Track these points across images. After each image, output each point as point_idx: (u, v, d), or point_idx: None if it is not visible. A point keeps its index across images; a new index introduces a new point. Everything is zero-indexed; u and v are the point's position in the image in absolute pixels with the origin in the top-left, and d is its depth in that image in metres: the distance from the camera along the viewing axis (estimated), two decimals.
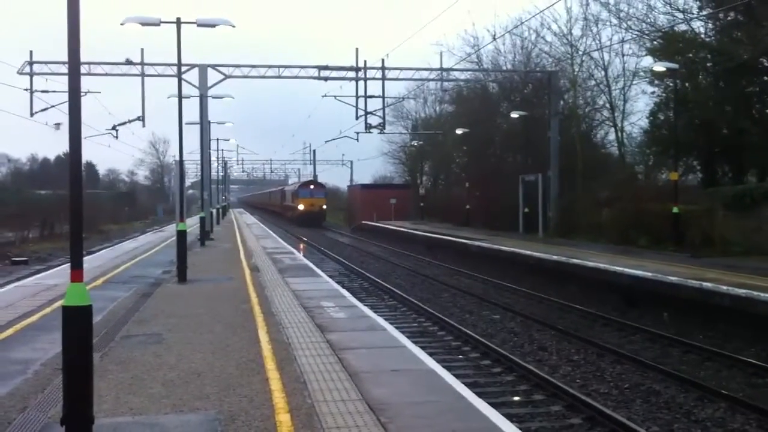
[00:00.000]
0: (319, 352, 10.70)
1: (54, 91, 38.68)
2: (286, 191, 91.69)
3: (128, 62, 39.59)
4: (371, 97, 41.59)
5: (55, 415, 7.50)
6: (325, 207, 75.82)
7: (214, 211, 54.01)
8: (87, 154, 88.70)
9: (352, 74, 40.41)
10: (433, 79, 45.33)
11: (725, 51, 30.55)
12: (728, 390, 12.28)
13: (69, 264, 6.90)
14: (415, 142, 71.50)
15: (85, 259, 6.95)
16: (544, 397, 12.00)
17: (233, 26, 21.96)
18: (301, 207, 74.21)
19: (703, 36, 34.77)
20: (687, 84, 34.46)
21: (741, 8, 29.68)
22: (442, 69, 43.04)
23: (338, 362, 10.07)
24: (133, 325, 13.25)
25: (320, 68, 39.90)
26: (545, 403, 11.72)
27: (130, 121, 42.20)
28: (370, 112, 41.87)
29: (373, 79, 40.81)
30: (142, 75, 39.08)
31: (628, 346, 16.08)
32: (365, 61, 40.20)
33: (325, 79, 40.16)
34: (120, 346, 11.34)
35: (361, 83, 40.87)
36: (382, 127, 43.42)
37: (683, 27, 34.45)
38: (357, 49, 39.99)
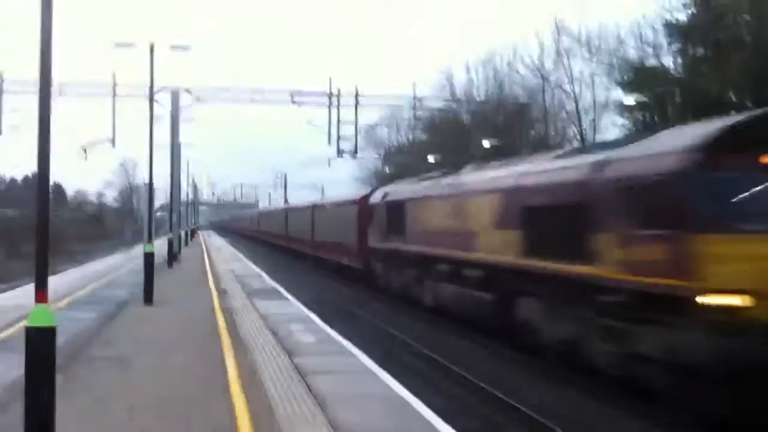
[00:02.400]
0: (287, 377, 10.62)
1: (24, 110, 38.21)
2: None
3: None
4: (344, 123, 41.76)
5: None
6: None
7: (183, 233, 53.64)
8: (55, 175, 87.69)
9: (324, 99, 40.57)
10: (406, 106, 45.59)
11: (694, 85, 31.04)
12: None
13: (33, 284, 6.80)
14: (387, 169, 71.58)
15: (51, 279, 6.82)
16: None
17: (207, 50, 22.00)
18: None
19: (672, 70, 35.33)
20: (656, 117, 34.94)
21: (709, 44, 30.22)
22: (415, 98, 43.40)
23: (305, 387, 9.99)
24: (98, 348, 13.07)
25: (293, 93, 39.99)
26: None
27: (100, 142, 42.00)
28: (343, 138, 42.00)
29: (346, 105, 41.00)
30: (113, 96, 38.87)
31: None
32: (338, 89, 40.44)
33: (299, 104, 40.27)
34: (84, 369, 11.16)
35: (334, 109, 41.04)
36: (354, 152, 43.57)
37: (653, 61, 35.02)
38: (330, 78, 40.25)
